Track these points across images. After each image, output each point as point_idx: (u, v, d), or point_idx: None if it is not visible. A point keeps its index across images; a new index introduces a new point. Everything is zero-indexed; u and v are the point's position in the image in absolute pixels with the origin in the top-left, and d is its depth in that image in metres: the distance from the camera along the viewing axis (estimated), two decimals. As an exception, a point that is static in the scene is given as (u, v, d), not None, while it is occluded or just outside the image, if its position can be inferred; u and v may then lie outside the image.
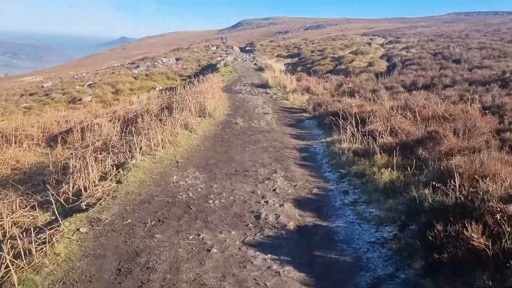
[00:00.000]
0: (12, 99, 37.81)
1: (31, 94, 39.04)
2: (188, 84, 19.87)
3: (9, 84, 59.79)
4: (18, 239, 4.74)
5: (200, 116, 12.39)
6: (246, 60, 41.45)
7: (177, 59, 49.62)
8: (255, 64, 36.84)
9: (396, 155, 7.40)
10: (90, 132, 13.62)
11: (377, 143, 8.11)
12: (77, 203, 6.29)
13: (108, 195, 6.48)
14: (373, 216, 5.95)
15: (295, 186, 7.32)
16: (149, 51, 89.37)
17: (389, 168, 7.05)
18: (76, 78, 46.94)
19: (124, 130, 12.71)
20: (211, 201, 6.49)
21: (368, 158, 7.88)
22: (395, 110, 10.86)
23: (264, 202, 6.52)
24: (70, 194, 6.62)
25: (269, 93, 20.59)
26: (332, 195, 6.99)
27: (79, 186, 6.72)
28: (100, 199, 6.32)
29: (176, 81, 37.59)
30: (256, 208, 6.27)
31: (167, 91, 22.64)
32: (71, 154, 8.48)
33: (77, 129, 13.55)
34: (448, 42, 35.43)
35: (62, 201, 6.45)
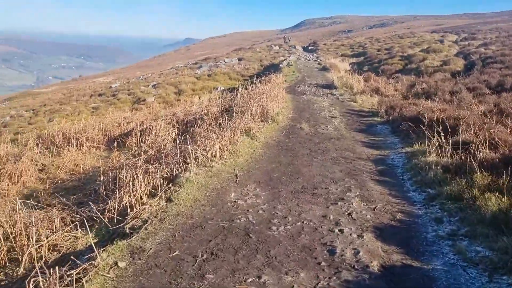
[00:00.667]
0: (82, 99, 38.74)
1: (99, 95, 39.85)
2: (250, 85, 18.94)
3: (82, 84, 61.97)
4: (40, 278, 3.88)
5: (262, 121, 11.33)
6: (309, 60, 40.10)
7: (239, 59, 49.08)
8: (318, 63, 35.42)
9: (502, 175, 5.97)
10: (149, 135, 13.01)
11: (475, 158, 6.65)
12: (121, 224, 5.42)
13: (155, 217, 5.54)
14: (481, 258, 4.59)
15: (374, 209, 6.06)
16: (212, 51, 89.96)
17: (496, 192, 5.63)
18: (142, 79, 47.57)
19: (182, 134, 11.95)
20: (274, 228, 5.38)
21: (464, 177, 6.44)
22: (488, 117, 9.24)
23: (339, 231, 5.32)
24: (115, 212, 5.77)
25: (335, 94, 19.24)
26: (421, 223, 5.66)
27: (125, 203, 5.86)
28: (147, 221, 5.40)
29: (238, 81, 36.92)
30: (329, 239, 5.09)
31: (228, 92, 21.89)
32: (122, 164, 7.70)
33: (135, 132, 12.96)
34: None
35: (106, 221, 5.62)
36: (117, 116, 17.70)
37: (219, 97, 20.47)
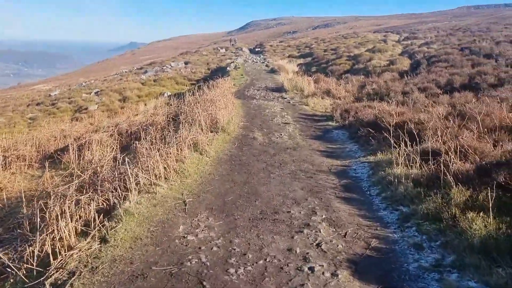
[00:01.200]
0: (18, 109, 36.17)
1: (37, 104, 37.40)
2: (198, 91, 17.90)
3: (19, 92, 58.39)
4: None
5: (212, 131, 10.35)
6: (256, 62, 39.43)
7: (186, 63, 47.74)
8: (266, 65, 34.80)
9: (478, 188, 5.34)
10: (88, 150, 11.76)
11: (448, 170, 5.97)
12: (41, 279, 4.31)
13: (86, 266, 4.44)
14: (479, 299, 3.87)
15: (344, 236, 5.25)
16: (158, 55, 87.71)
17: (479, 212, 4.95)
18: (84, 86, 45.28)
19: (123, 150, 10.77)
20: (232, 270, 4.42)
21: (439, 192, 5.76)
22: (451, 120, 8.70)
23: (309, 269, 4.44)
24: (34, 262, 4.62)
25: (285, 98, 18.54)
26: (399, 251, 4.89)
27: (47, 248, 4.74)
28: (74, 273, 4.31)
29: (186, 85, 35.69)
30: (298, 282, 4.22)
31: (175, 98, 20.75)
32: (49, 193, 6.51)
33: (73, 148, 11.62)
34: (470, 36, 33.08)
35: (23, 274, 4.46)
36: (53, 129, 16.19)
37: (166, 104, 19.33)
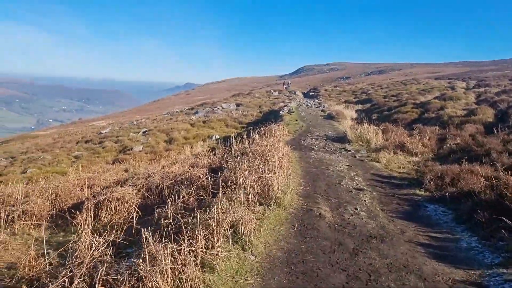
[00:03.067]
0: (66, 146, 34.80)
1: (86, 141, 36.02)
2: (247, 137, 15.03)
3: (77, 128, 58.25)
4: None
5: (261, 204, 7.24)
6: (311, 106, 36.47)
7: (237, 105, 45.56)
8: (322, 111, 31.73)
9: None
10: (106, 211, 9.06)
11: None
12: None
13: None
14: None
15: None
16: (211, 96, 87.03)
17: None
18: (135, 124, 43.89)
19: (147, 214, 7.87)
20: None
21: None
22: None
23: None
24: None
25: (349, 151, 15.29)
26: None
27: None
28: None
29: (236, 128, 33.23)
30: None
31: (223, 142, 18.07)
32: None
33: (88, 205, 8.86)
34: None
35: None
36: (79, 176, 13.55)
37: (211, 149, 16.60)
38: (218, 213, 5.61)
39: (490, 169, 9.95)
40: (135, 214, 8.15)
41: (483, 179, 8.70)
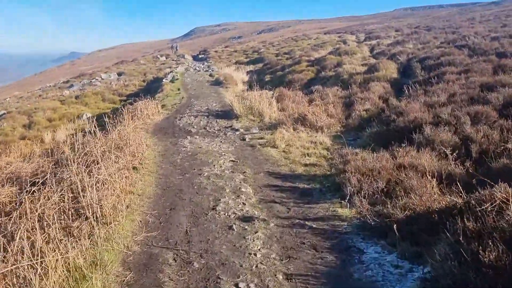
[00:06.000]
0: None
1: None
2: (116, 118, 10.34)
3: None
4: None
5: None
6: (199, 71, 31.80)
7: (119, 74, 39.37)
8: (210, 75, 27.26)
9: None
10: None
11: None
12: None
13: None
14: None
15: None
16: (100, 65, 78.03)
17: None
18: (-4, 105, 35.94)
19: None
20: None
21: None
22: None
23: None
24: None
25: (237, 130, 11.26)
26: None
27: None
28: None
29: (114, 103, 27.71)
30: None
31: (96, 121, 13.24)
32: None
33: None
34: (442, 32, 27.12)
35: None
36: None
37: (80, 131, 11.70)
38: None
39: (435, 159, 6.45)
40: None
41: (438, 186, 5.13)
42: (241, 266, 4.21)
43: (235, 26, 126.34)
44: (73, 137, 11.56)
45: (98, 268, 3.67)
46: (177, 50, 51.27)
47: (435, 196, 5.04)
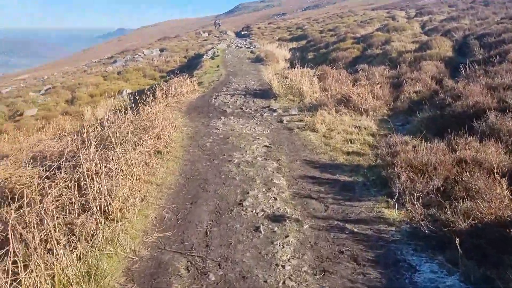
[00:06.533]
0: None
1: (-23, 105, 28.94)
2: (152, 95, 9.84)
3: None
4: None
5: None
6: (241, 47, 30.95)
7: (161, 50, 39.17)
8: (251, 52, 26.37)
9: None
10: None
11: None
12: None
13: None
14: None
15: None
16: (144, 41, 78.64)
17: None
18: (44, 80, 36.68)
19: None
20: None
21: None
22: None
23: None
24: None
25: (275, 110, 10.46)
26: None
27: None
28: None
29: (155, 79, 27.46)
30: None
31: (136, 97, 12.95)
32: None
33: None
34: (502, 7, 24.87)
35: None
36: None
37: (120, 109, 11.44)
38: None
39: (502, 153, 5.43)
40: None
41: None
42: (265, 281, 3.48)
43: (279, 3, 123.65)
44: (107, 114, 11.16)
45: (92, 281, 3.04)
46: (219, 26, 50.52)
47: (506, 201, 4.10)
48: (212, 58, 24.02)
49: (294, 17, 64.06)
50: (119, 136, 6.49)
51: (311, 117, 9.43)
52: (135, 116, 8.48)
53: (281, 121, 9.48)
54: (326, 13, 60.14)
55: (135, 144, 6.44)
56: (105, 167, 4.47)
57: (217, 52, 27.02)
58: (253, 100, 11.70)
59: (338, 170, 6.23)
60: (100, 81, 28.93)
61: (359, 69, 14.99)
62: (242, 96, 12.27)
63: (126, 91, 23.72)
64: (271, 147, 7.36)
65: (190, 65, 26.50)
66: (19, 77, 60.28)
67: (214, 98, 12.17)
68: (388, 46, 17.71)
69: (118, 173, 4.68)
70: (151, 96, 10.77)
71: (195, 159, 6.59)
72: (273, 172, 6.06)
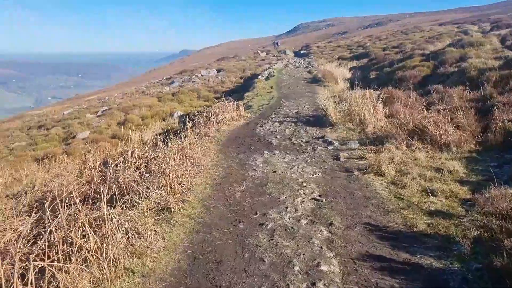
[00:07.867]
0: (12, 134, 27.77)
1: (39, 127, 29.25)
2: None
3: (59, 107, 51.41)
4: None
5: None
6: (299, 66, 29.18)
7: (218, 71, 38.34)
8: (309, 71, 24.48)
9: None
10: None
11: None
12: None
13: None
14: None
15: None
16: (204, 62, 79.40)
17: None
18: (103, 101, 36.94)
19: None
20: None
21: None
22: None
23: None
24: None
25: (331, 143, 8.47)
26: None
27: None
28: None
29: (208, 100, 26.35)
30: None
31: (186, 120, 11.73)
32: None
33: None
34: None
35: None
36: None
37: (166, 132, 10.18)
38: None
39: None
40: None
41: None
42: None
43: (340, 21, 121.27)
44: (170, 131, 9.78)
45: None
46: (278, 45, 49.21)
47: None
48: (266, 78, 22.42)
49: (355, 35, 61.58)
50: (119, 186, 4.85)
51: (375, 153, 7.36)
52: (162, 150, 6.86)
53: (338, 158, 7.48)
54: (389, 30, 57.12)
55: (139, 197, 4.76)
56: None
57: (273, 72, 25.41)
58: (305, 129, 9.79)
59: (419, 245, 4.15)
60: (154, 102, 28.29)
61: (432, 90, 12.66)
62: (293, 124, 10.38)
63: (177, 113, 22.68)
64: (322, 201, 5.39)
65: (246, 86, 25.16)
66: (88, 98, 62.40)
67: (260, 126, 10.38)
68: (465, 63, 15.13)
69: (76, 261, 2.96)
70: (188, 124, 9.22)
71: (213, 221, 4.75)
72: (321, 247, 4.10)
